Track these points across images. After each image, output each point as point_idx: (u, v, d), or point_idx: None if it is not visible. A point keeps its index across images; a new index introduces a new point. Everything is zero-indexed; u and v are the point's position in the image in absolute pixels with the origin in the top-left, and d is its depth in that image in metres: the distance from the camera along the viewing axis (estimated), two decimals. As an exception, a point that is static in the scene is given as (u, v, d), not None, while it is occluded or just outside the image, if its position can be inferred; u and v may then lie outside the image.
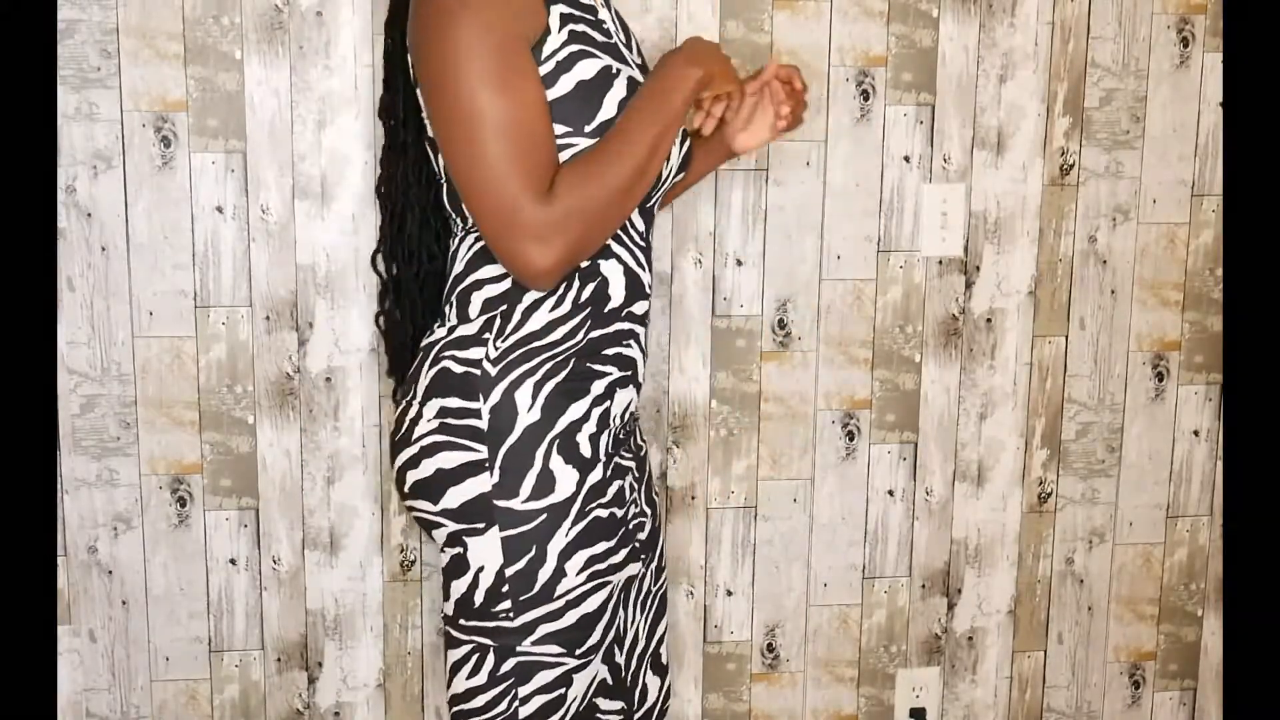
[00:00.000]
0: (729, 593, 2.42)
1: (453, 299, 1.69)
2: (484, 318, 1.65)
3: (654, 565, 1.85)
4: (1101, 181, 2.41)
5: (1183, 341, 2.48)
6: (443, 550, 1.69)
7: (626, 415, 1.75)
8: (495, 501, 1.63)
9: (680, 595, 2.41)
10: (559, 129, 1.59)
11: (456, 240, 1.71)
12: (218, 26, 2.15)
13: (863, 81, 2.32)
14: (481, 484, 1.63)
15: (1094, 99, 2.38)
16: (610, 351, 1.69)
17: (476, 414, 1.63)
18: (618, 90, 1.62)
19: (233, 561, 2.27)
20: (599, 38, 1.64)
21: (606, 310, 1.68)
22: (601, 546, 1.68)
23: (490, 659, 1.67)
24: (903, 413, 2.42)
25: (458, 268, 1.69)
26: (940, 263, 2.39)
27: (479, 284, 1.66)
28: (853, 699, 2.50)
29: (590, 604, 1.67)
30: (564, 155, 1.60)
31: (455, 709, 1.71)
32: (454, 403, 1.65)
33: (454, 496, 1.64)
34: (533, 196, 1.54)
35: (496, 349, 1.64)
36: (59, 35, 2.11)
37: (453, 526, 1.65)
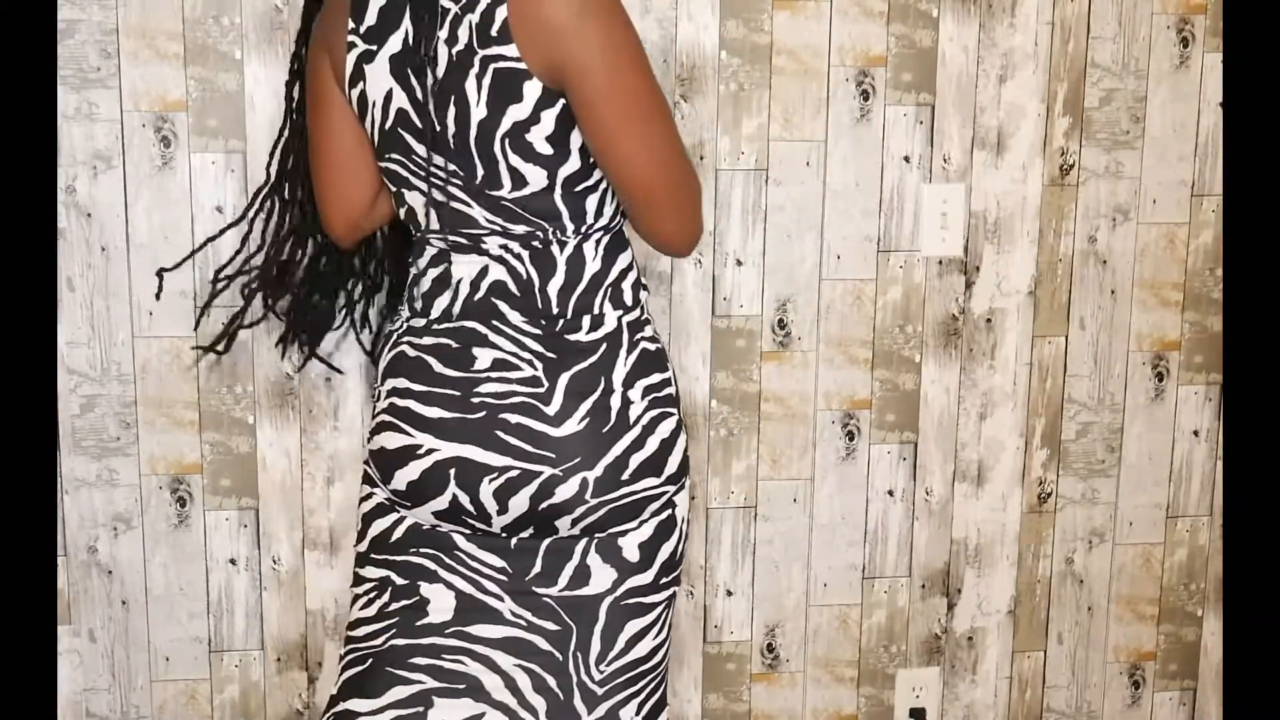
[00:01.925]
0: (729, 593, 2.42)
1: (601, 294, 1.72)
2: (640, 300, 1.75)
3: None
4: (1101, 181, 2.41)
5: (1183, 341, 2.48)
6: (640, 526, 1.73)
7: None
8: (688, 454, 1.77)
9: (680, 595, 2.41)
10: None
11: (565, 245, 1.69)
12: (218, 26, 2.15)
13: (863, 81, 2.32)
14: (684, 441, 1.76)
15: (1094, 99, 2.38)
16: None
17: (669, 382, 1.75)
18: None
19: (233, 561, 2.27)
20: None
21: None
22: None
23: (672, 610, 1.80)
24: (903, 413, 2.42)
25: (593, 266, 1.71)
26: (940, 263, 2.39)
27: (624, 273, 1.73)
28: (853, 699, 2.50)
29: None
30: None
31: (636, 672, 1.78)
32: (655, 378, 1.74)
33: (673, 461, 1.73)
34: (695, 172, 1.71)
35: (652, 326, 1.78)
36: (59, 35, 2.11)
37: (671, 490, 1.74)
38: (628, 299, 1.74)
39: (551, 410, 1.68)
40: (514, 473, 1.68)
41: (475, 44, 1.58)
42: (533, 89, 1.58)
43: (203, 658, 2.30)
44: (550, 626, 1.73)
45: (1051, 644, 2.55)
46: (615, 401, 1.70)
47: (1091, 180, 2.41)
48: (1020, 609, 2.53)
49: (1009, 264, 2.41)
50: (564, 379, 1.69)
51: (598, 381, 1.70)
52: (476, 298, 1.70)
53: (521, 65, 1.58)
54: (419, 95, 1.63)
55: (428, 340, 1.71)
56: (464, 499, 1.68)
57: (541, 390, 1.69)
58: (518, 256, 1.68)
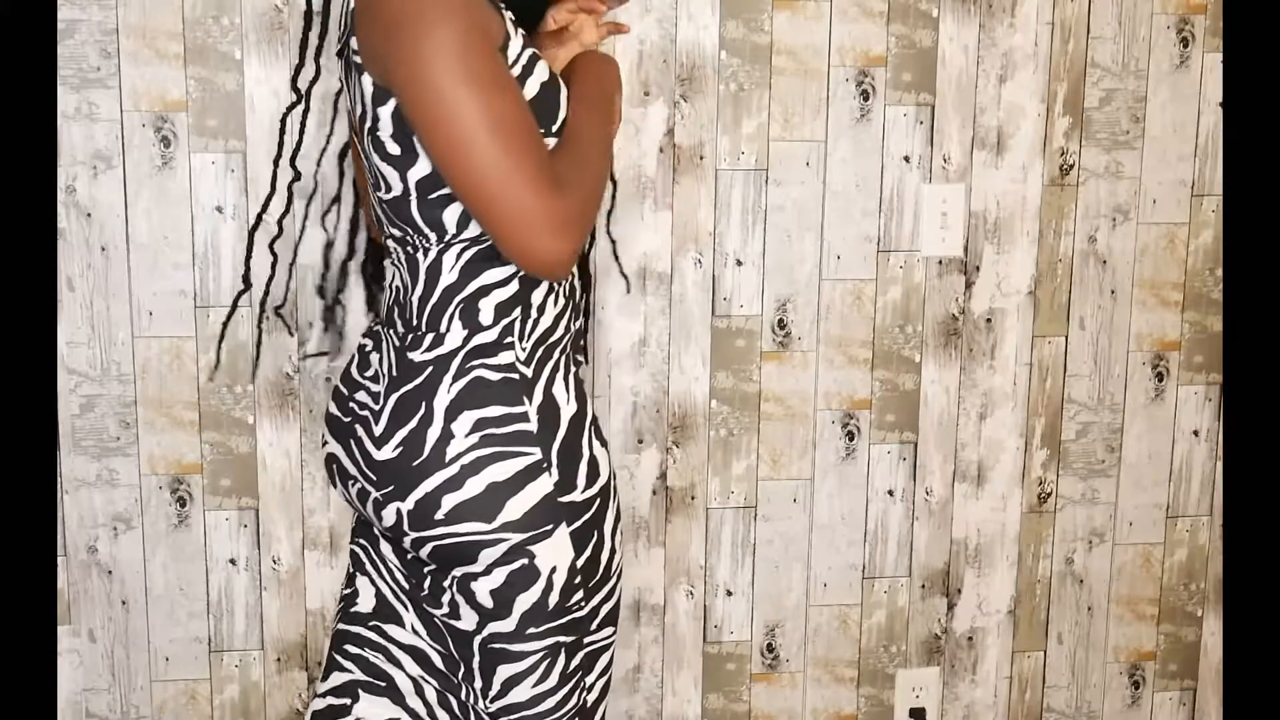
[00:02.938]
0: (729, 593, 2.42)
1: (452, 310, 1.61)
2: (502, 323, 1.61)
3: None
4: (1101, 181, 2.41)
5: (1182, 341, 2.48)
6: (488, 572, 1.60)
7: None
8: (560, 499, 1.60)
9: (680, 595, 2.41)
10: (542, 126, 1.60)
11: (428, 253, 1.61)
12: (218, 26, 2.15)
13: (863, 81, 2.32)
14: (544, 486, 1.59)
15: (1094, 99, 2.38)
16: (582, 343, 1.76)
17: (524, 417, 1.59)
18: (563, 90, 1.63)
19: (233, 561, 2.27)
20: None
21: (578, 301, 1.72)
22: (619, 516, 1.75)
23: (562, 657, 1.64)
24: (903, 413, 2.42)
25: (448, 279, 1.61)
26: (940, 263, 2.39)
27: (484, 290, 1.61)
28: (852, 699, 2.50)
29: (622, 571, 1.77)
30: None
31: (518, 716, 1.65)
32: (495, 411, 1.59)
33: (515, 506, 1.58)
34: (545, 189, 1.50)
35: (525, 350, 1.62)
36: (59, 35, 2.11)
37: (516, 538, 1.58)
38: (483, 319, 1.61)
39: (378, 431, 1.61)
40: (357, 485, 1.65)
41: (345, 33, 1.59)
42: (368, 84, 1.55)
43: (203, 658, 2.30)
44: (441, 650, 1.69)
45: (1051, 644, 2.55)
46: (432, 433, 1.59)
47: (1091, 180, 2.41)
48: (1020, 609, 2.53)
49: (1009, 264, 2.41)
50: (393, 400, 1.61)
51: (418, 407, 1.60)
52: (387, 303, 1.70)
53: (358, 58, 1.56)
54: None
55: (365, 340, 1.72)
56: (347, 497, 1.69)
57: (375, 409, 1.63)
58: (398, 263, 1.63)
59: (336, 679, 1.73)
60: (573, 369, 1.69)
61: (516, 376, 1.60)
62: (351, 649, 1.74)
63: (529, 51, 1.59)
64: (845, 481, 2.43)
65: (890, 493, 2.44)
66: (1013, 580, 2.51)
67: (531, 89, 1.57)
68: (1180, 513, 2.54)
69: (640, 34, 2.24)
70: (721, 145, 2.29)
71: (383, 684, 1.72)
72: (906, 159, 2.35)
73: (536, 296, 1.64)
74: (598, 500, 1.66)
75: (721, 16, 2.26)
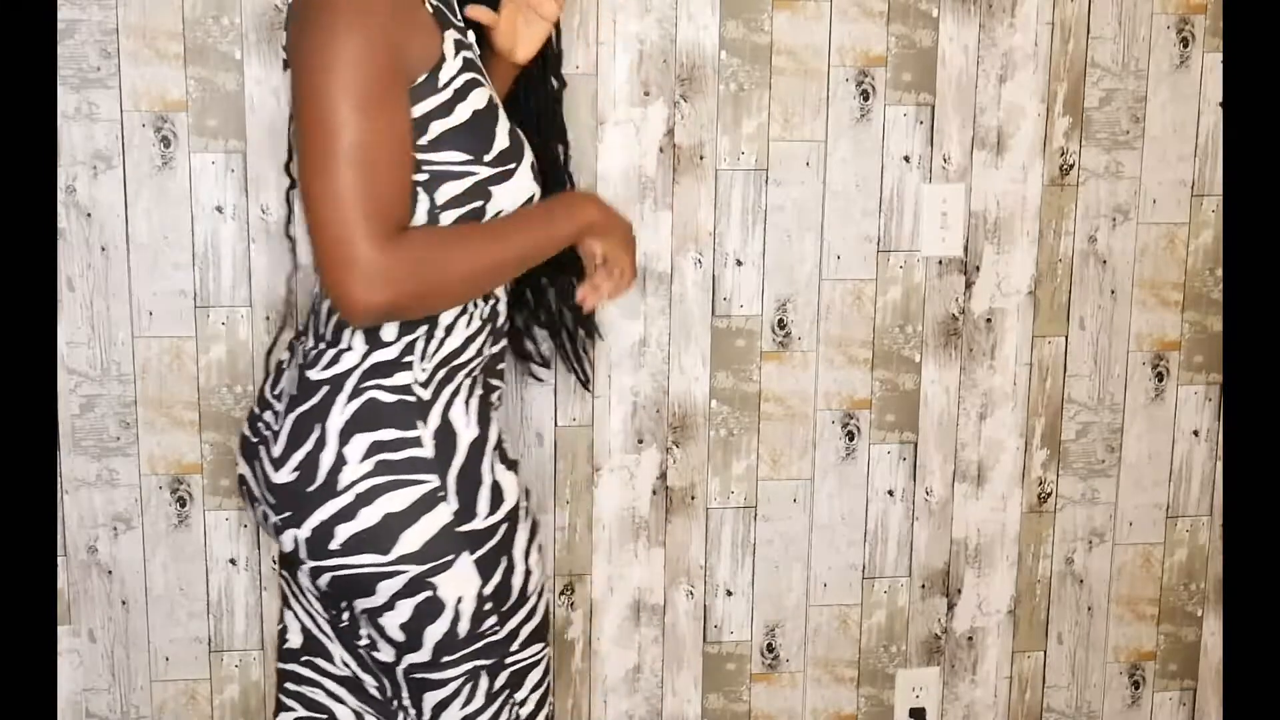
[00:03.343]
0: (729, 593, 2.42)
1: (354, 327, 1.56)
2: (404, 340, 1.55)
3: None
4: (1101, 181, 2.41)
5: (1182, 341, 2.48)
6: (391, 606, 1.55)
7: None
8: (459, 529, 1.54)
9: (680, 595, 2.41)
10: (459, 156, 1.52)
11: None
12: (218, 26, 2.15)
13: (863, 81, 2.32)
14: (441, 516, 1.53)
15: (1094, 99, 2.38)
16: (500, 366, 1.70)
17: (417, 442, 1.53)
18: (503, 120, 1.58)
19: (233, 561, 2.27)
20: (479, 66, 1.60)
21: (498, 326, 1.67)
22: (535, 535, 1.70)
23: (484, 679, 1.62)
24: (903, 413, 2.42)
25: None
26: (940, 263, 2.39)
27: None
28: (852, 699, 2.50)
29: (541, 594, 1.69)
30: (465, 184, 1.53)
31: None
32: (388, 435, 1.53)
33: (412, 538, 1.52)
34: (369, 233, 1.42)
35: (425, 371, 1.56)
36: (59, 35, 2.11)
37: (414, 570, 1.53)
38: (385, 335, 1.55)
39: (276, 453, 1.56)
40: (260, 508, 1.61)
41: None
42: (287, 80, 1.55)
43: (203, 658, 2.30)
44: (373, 680, 1.67)
45: (1051, 644, 2.55)
46: (326, 457, 1.53)
47: (1091, 180, 2.41)
48: (1020, 609, 2.53)
49: (1009, 264, 2.41)
50: (289, 420, 1.56)
51: (312, 429, 1.54)
52: (307, 313, 1.68)
53: (285, 54, 1.61)
54: None
55: (284, 354, 1.72)
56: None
57: (275, 429, 1.58)
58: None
59: (284, 719, 1.76)
60: (479, 392, 1.62)
61: (412, 399, 1.54)
62: (291, 687, 1.74)
63: (465, 77, 1.54)
64: (845, 481, 2.43)
65: (890, 493, 2.44)
66: (1013, 580, 2.51)
67: (461, 115, 1.52)
68: (1180, 513, 2.54)
69: (640, 34, 2.24)
70: (721, 145, 2.29)
71: (324, 717, 1.73)
72: (906, 159, 2.35)
73: (446, 315, 1.58)
74: (503, 526, 1.59)
75: (721, 16, 2.26)
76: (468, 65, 1.55)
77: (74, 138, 2.13)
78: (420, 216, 1.52)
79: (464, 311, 1.60)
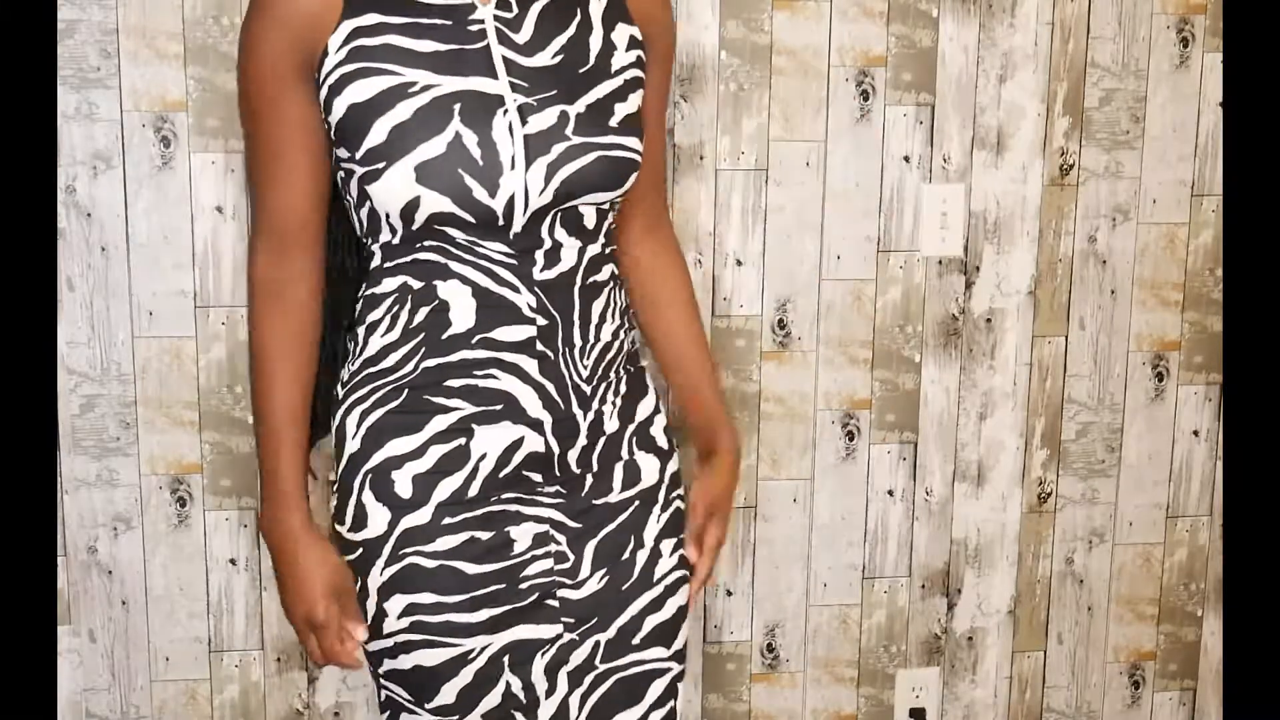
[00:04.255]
0: (729, 593, 2.42)
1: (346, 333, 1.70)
2: (348, 342, 1.64)
3: (604, 635, 1.67)
4: (1101, 181, 2.41)
5: (1182, 341, 2.48)
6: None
7: (518, 456, 1.59)
8: (334, 525, 1.61)
9: (680, 595, 2.41)
10: (342, 153, 1.53)
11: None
12: (218, 26, 2.15)
13: (863, 81, 2.32)
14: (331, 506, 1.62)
15: (1094, 99, 2.38)
16: (456, 383, 1.55)
17: (335, 437, 1.62)
18: (399, 112, 1.48)
19: (233, 561, 2.27)
20: (409, 48, 1.50)
21: (445, 337, 1.55)
22: (429, 598, 1.57)
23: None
24: (903, 413, 2.42)
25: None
26: (940, 263, 2.39)
27: (362, 305, 1.63)
28: (852, 699, 2.50)
29: (426, 657, 1.58)
30: (347, 181, 1.55)
31: None
32: (321, 432, 1.70)
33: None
34: (258, 232, 1.59)
35: (346, 374, 1.61)
36: (59, 35, 2.11)
37: None
38: (351, 335, 1.65)
39: None
40: None
41: None
42: None
43: (203, 658, 2.30)
44: None
45: (1051, 644, 2.55)
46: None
47: (1091, 180, 2.41)
48: (1020, 609, 2.53)
49: (1009, 264, 2.41)
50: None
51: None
52: None
53: None
54: None
55: None
56: None
57: None
58: None
59: None
60: (397, 407, 1.56)
61: (338, 395, 1.62)
62: None
63: (348, 68, 1.50)
64: (845, 481, 2.43)
65: (890, 493, 2.44)
66: (1013, 580, 2.51)
67: (338, 111, 1.51)
68: (1180, 513, 2.54)
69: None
70: (721, 145, 2.29)
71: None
72: (906, 159, 2.35)
73: (369, 319, 1.60)
74: (361, 550, 1.58)
75: (721, 16, 2.26)
76: (358, 55, 1.50)
77: (74, 138, 2.13)
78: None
79: (385, 318, 1.58)
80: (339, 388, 1.61)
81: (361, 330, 1.59)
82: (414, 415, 1.56)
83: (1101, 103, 2.39)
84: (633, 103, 1.60)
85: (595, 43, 1.60)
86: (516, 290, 1.54)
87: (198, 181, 2.17)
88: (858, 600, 2.47)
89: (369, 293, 1.58)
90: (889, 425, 2.42)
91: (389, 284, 1.56)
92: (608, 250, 1.63)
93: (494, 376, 1.55)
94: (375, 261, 1.57)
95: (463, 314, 1.54)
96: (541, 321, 1.55)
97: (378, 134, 1.48)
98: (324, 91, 1.51)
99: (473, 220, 1.50)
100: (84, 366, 2.19)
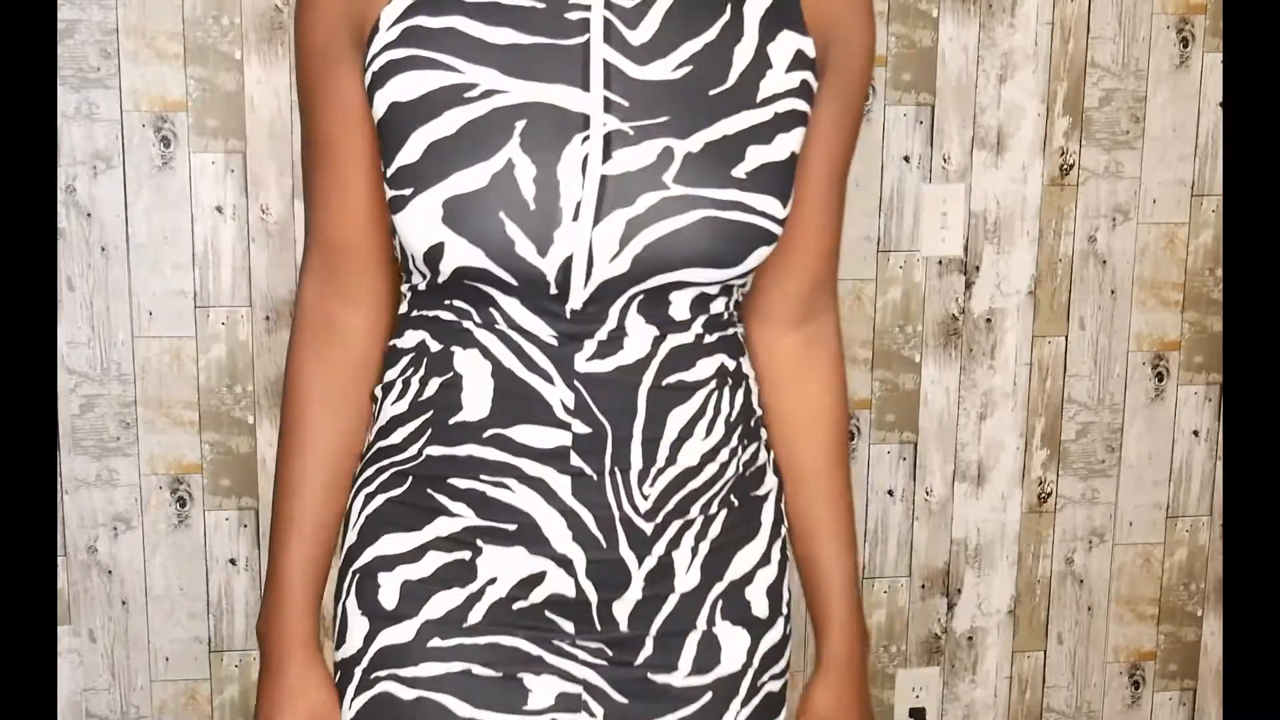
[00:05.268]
0: (729, 593, 2.42)
1: None
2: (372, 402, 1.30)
3: None
4: (1101, 181, 2.41)
5: (1182, 341, 2.48)
6: None
7: (539, 594, 1.20)
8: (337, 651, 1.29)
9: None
10: (381, 164, 1.18)
11: None
12: (218, 26, 2.15)
13: (863, 81, 2.32)
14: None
15: (1094, 99, 2.38)
16: (462, 484, 1.19)
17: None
18: (443, 123, 1.11)
19: (233, 561, 2.27)
20: (478, 36, 1.12)
21: (453, 422, 1.18)
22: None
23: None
24: (902, 413, 2.42)
25: None
26: (940, 263, 2.39)
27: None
28: (853, 699, 2.50)
29: None
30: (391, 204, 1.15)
31: None
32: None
33: None
34: (307, 262, 1.25)
35: (366, 443, 1.28)
36: (59, 35, 2.11)
37: None
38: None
39: None
40: None
41: None
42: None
43: (203, 658, 2.30)
44: None
45: (1051, 644, 2.55)
46: None
47: (1091, 180, 2.41)
48: (1020, 609, 2.53)
49: (1009, 264, 2.41)
50: None
51: None
52: None
53: None
54: None
55: None
56: None
57: None
58: None
59: None
60: (384, 496, 1.22)
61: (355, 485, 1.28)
62: None
63: (396, 54, 1.13)
64: (845, 481, 2.43)
65: (890, 493, 2.44)
66: (1013, 580, 2.51)
67: (379, 108, 1.15)
68: (1180, 513, 2.54)
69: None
70: (721, 145, 2.29)
71: None
72: (906, 159, 2.35)
73: (390, 373, 1.24)
74: (339, 672, 1.26)
75: (721, 16, 2.26)
76: (410, 38, 1.12)
77: (74, 138, 2.13)
78: None
79: (395, 379, 1.23)
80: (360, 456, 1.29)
81: (379, 391, 1.25)
82: (416, 511, 1.21)
83: (1101, 103, 2.39)
84: (782, 146, 1.15)
85: (743, 55, 1.15)
86: (549, 380, 1.15)
87: (198, 181, 2.17)
88: (858, 600, 2.47)
89: (392, 344, 1.24)
90: (889, 425, 2.42)
91: (409, 339, 1.21)
92: (710, 339, 1.20)
93: (506, 488, 1.17)
94: (404, 306, 1.23)
95: (476, 397, 1.17)
96: (580, 428, 1.15)
97: (412, 149, 1.11)
98: (367, 79, 1.14)
99: (514, 283, 1.12)
100: (84, 366, 2.19)
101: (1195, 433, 2.52)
